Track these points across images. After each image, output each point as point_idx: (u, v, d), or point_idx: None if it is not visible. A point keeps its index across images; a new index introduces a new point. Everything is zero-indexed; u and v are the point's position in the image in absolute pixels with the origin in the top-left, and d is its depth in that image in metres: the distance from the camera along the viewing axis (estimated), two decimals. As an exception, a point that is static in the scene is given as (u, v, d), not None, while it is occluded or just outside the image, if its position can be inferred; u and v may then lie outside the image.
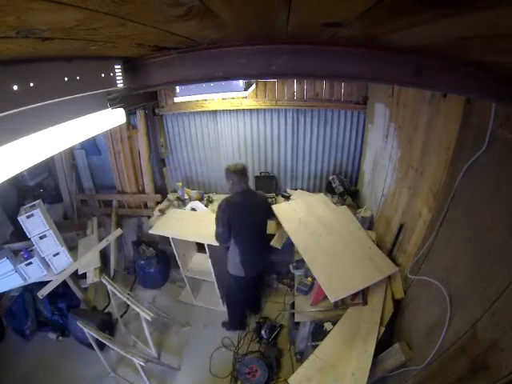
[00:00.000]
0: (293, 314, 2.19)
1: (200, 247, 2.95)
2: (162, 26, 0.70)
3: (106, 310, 2.95)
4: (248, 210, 2.18)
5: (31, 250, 2.51)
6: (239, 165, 2.21)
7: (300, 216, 2.49)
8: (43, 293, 2.48)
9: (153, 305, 2.87)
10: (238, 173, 2.15)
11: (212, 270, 2.59)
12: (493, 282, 1.09)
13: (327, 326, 1.87)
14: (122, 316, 2.85)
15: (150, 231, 2.64)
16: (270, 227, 2.49)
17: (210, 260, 2.56)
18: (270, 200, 2.24)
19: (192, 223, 2.65)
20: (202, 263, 2.92)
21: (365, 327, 1.77)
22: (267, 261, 2.41)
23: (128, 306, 2.71)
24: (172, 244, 2.61)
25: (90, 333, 2.13)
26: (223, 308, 2.92)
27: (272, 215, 2.42)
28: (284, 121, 3.10)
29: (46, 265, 2.50)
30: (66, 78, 0.84)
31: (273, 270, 2.89)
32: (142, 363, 1.93)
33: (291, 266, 2.34)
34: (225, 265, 2.39)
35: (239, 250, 2.25)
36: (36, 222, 2.35)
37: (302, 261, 2.14)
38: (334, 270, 1.97)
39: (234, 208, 2.14)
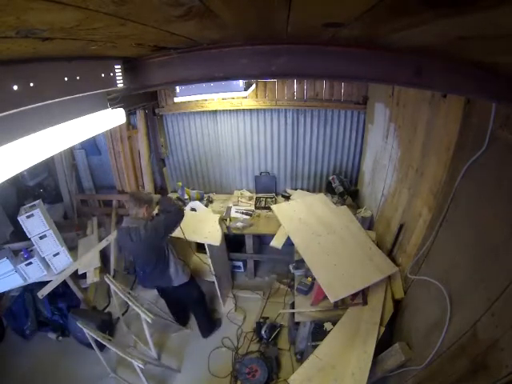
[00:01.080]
0: (293, 314, 2.19)
1: (200, 247, 2.95)
2: (162, 25, 0.70)
3: (105, 310, 2.95)
4: (131, 248, 2.12)
5: (31, 250, 2.50)
6: (135, 194, 2.15)
7: (300, 216, 2.50)
8: (43, 293, 2.48)
9: (155, 305, 2.86)
10: (133, 202, 2.06)
11: (212, 269, 2.59)
12: (493, 282, 1.09)
13: (327, 325, 1.87)
14: (124, 314, 2.85)
15: None
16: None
17: (209, 260, 2.55)
18: (154, 221, 2.05)
19: (191, 223, 2.64)
20: (201, 263, 2.92)
21: (365, 327, 1.77)
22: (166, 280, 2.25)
23: (128, 305, 2.71)
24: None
25: (90, 333, 2.13)
26: (224, 308, 2.92)
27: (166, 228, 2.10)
28: (284, 121, 3.10)
29: (46, 265, 2.50)
30: (66, 78, 0.84)
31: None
32: (141, 365, 1.92)
33: (291, 266, 2.34)
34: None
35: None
36: (36, 222, 2.35)
37: (302, 261, 2.14)
38: (334, 270, 1.97)
39: (122, 244, 2.27)
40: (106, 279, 2.36)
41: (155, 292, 3.18)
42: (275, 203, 3.14)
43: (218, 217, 2.81)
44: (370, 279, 1.93)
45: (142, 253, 2.13)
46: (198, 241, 2.55)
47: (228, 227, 2.86)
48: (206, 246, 2.50)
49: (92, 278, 2.59)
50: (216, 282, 2.70)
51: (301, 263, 2.25)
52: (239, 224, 2.87)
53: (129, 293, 2.34)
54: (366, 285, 1.91)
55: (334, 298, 1.81)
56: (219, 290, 2.78)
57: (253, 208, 3.16)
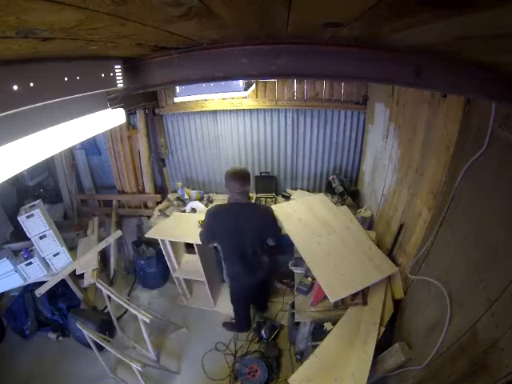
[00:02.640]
0: (293, 314, 2.19)
1: (188, 247, 2.93)
2: (162, 25, 0.70)
3: (106, 310, 2.95)
4: (237, 225, 1.98)
5: (31, 250, 2.50)
6: (240, 171, 2.00)
7: (300, 216, 2.50)
8: (40, 291, 2.47)
9: (149, 307, 2.85)
10: (236, 181, 1.94)
11: (202, 269, 2.57)
12: (492, 282, 1.09)
13: (327, 325, 1.87)
14: (122, 316, 2.85)
15: (146, 235, 2.63)
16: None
17: (199, 260, 2.53)
18: (273, 213, 2.08)
19: (191, 225, 2.63)
20: (191, 263, 2.87)
21: (365, 327, 1.77)
22: (262, 274, 2.26)
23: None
24: (161, 245, 2.62)
25: (89, 334, 2.12)
26: (216, 308, 2.93)
27: (276, 229, 2.19)
28: (284, 121, 3.10)
29: (46, 265, 2.50)
30: (65, 78, 0.84)
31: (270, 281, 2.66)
32: (139, 368, 1.91)
33: (290, 263, 2.34)
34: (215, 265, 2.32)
35: (225, 263, 2.19)
36: (36, 222, 2.35)
37: (301, 258, 2.14)
38: (334, 270, 1.97)
39: (220, 221, 2.03)
40: (98, 284, 2.33)
41: (154, 292, 3.19)
42: (275, 203, 3.14)
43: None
44: (370, 279, 1.93)
45: (252, 238, 2.04)
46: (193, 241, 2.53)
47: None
48: (195, 246, 2.47)
49: (89, 279, 2.56)
50: (206, 282, 2.69)
51: (300, 260, 2.24)
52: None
53: (127, 298, 2.32)
54: (366, 285, 1.91)
55: (334, 298, 1.80)
56: (209, 290, 2.78)
57: (253, 208, 3.16)
